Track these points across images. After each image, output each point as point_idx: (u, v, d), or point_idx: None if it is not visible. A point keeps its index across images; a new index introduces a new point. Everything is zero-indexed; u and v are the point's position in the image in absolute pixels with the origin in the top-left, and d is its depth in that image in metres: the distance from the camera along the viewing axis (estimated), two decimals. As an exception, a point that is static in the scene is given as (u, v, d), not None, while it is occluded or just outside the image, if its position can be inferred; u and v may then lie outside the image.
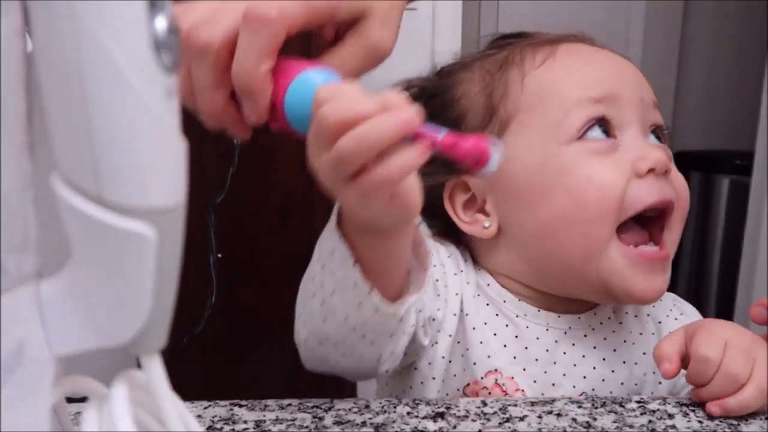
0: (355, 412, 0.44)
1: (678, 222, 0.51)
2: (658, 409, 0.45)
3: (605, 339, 0.54)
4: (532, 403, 0.45)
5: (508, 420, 0.43)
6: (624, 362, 0.54)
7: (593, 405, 0.45)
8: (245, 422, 0.42)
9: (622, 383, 0.53)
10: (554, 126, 0.50)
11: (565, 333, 0.53)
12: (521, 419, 0.43)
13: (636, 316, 0.56)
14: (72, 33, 0.19)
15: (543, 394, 0.51)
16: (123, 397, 0.23)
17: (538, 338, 0.52)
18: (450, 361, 0.52)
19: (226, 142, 1.19)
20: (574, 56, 0.53)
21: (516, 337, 0.52)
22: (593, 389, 0.52)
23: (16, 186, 0.22)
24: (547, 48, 0.53)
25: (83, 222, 0.21)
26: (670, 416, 0.44)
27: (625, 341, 0.54)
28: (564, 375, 0.52)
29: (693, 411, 0.44)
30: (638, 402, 0.46)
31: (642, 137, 0.51)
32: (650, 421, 0.43)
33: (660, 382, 0.54)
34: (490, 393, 0.51)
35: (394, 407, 0.44)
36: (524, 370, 0.51)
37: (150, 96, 0.20)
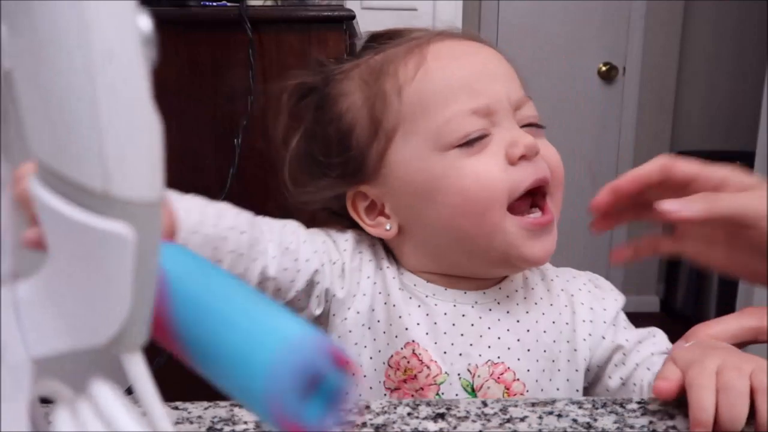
0: (355, 413, 0.43)
1: (557, 188, 0.57)
2: (659, 410, 0.45)
3: (508, 312, 0.59)
4: (533, 404, 0.45)
5: (508, 420, 0.43)
6: (528, 330, 0.58)
7: (594, 406, 0.45)
8: (245, 423, 0.42)
9: (528, 350, 0.57)
10: (435, 135, 0.55)
11: (472, 307, 0.58)
12: (522, 420, 0.43)
13: (548, 290, 0.61)
14: (79, 28, 0.19)
15: (452, 364, 0.56)
16: (110, 392, 0.23)
17: (445, 314, 0.58)
18: (364, 334, 0.58)
19: (227, 142, 1.19)
20: (444, 61, 0.56)
21: (427, 315, 0.58)
22: (499, 356, 0.57)
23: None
24: (417, 54, 0.57)
25: (60, 222, 0.21)
26: (671, 417, 0.44)
27: (528, 312, 0.59)
28: (471, 345, 0.57)
29: (694, 412, 0.44)
30: (639, 402, 0.46)
31: (512, 126, 0.55)
32: (651, 422, 0.43)
33: (576, 349, 0.58)
34: (408, 362, 0.56)
35: (395, 408, 0.44)
36: (435, 343, 0.57)
37: (143, 90, 0.20)
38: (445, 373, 0.56)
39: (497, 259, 0.56)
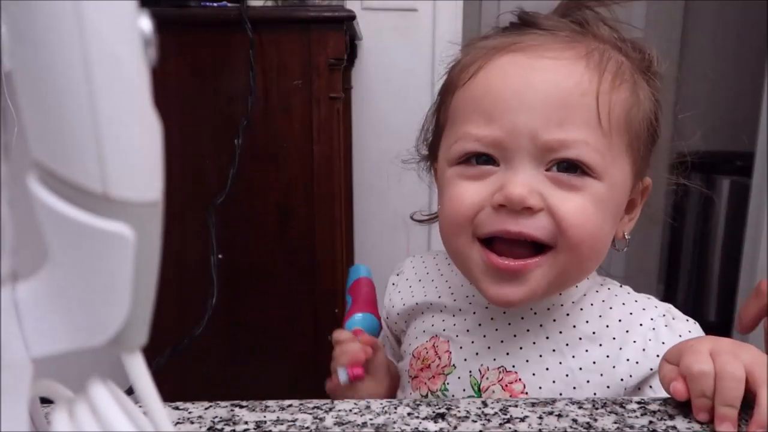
0: (355, 413, 0.44)
1: (568, 250, 0.50)
2: (658, 410, 0.45)
3: (541, 325, 0.57)
4: (533, 404, 0.45)
5: (509, 421, 0.43)
6: (554, 350, 0.55)
7: (594, 406, 0.45)
8: (246, 423, 0.42)
9: (547, 368, 0.55)
10: (448, 148, 0.55)
11: (504, 313, 0.58)
12: (522, 420, 0.43)
13: (600, 316, 0.56)
14: (79, 29, 0.19)
15: (465, 360, 0.58)
16: (107, 393, 0.23)
17: (474, 313, 0.60)
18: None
19: (227, 142, 1.19)
20: (493, 77, 0.53)
21: (460, 310, 0.61)
22: (513, 366, 0.56)
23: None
24: (486, 58, 0.54)
25: (60, 223, 0.21)
26: (671, 417, 0.44)
27: (561, 332, 0.56)
28: (489, 348, 0.58)
29: (694, 412, 0.44)
30: (639, 403, 0.46)
31: (523, 166, 0.50)
32: (651, 422, 0.43)
33: (608, 386, 0.53)
34: (427, 352, 0.61)
35: (395, 408, 0.44)
36: (457, 336, 0.60)
37: (143, 91, 0.20)
38: (453, 365, 0.58)
39: (475, 286, 0.55)
